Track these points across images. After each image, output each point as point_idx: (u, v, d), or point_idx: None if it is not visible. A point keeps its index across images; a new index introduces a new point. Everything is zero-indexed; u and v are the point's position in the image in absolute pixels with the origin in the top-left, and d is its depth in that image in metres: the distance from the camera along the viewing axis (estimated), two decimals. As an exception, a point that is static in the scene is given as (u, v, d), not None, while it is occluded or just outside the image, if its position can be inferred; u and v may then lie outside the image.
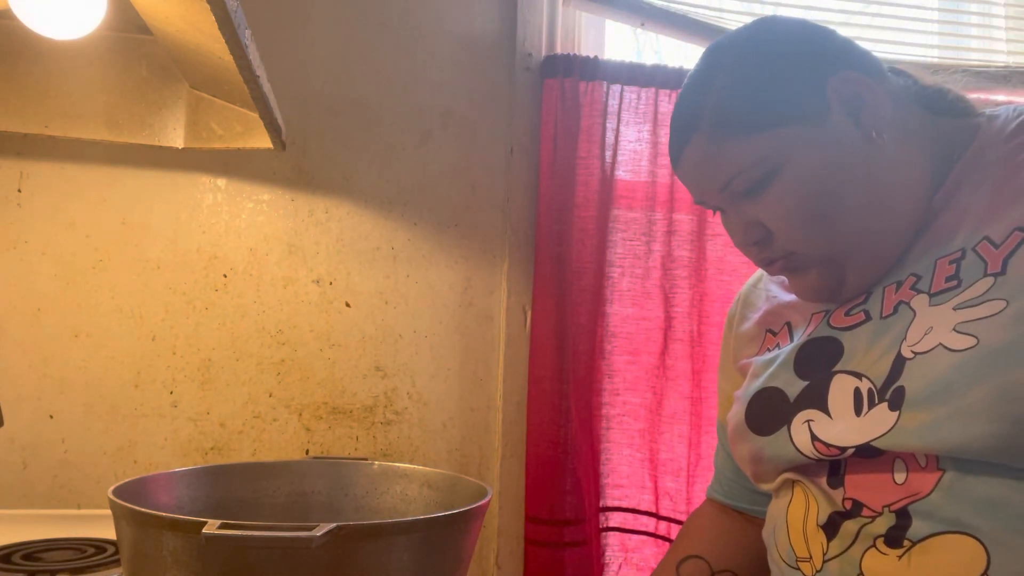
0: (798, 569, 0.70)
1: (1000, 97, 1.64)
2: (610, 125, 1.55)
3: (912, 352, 0.64)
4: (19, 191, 1.42)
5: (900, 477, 0.63)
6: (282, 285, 1.49)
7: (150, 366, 1.43)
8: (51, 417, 1.40)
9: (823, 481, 0.68)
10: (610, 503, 1.54)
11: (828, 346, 0.72)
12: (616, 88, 1.55)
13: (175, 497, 0.91)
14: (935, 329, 0.63)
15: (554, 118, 1.53)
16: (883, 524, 0.62)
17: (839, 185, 0.71)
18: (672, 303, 1.54)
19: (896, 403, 0.63)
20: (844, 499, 0.66)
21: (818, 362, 0.72)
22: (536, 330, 1.52)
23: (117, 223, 1.44)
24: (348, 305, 1.50)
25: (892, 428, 0.62)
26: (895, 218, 0.72)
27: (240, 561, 0.67)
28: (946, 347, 0.61)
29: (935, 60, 1.68)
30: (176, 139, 1.35)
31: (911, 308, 0.67)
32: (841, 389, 0.68)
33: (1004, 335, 0.58)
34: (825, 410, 0.69)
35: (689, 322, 1.53)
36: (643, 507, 1.53)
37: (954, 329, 0.61)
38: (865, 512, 0.64)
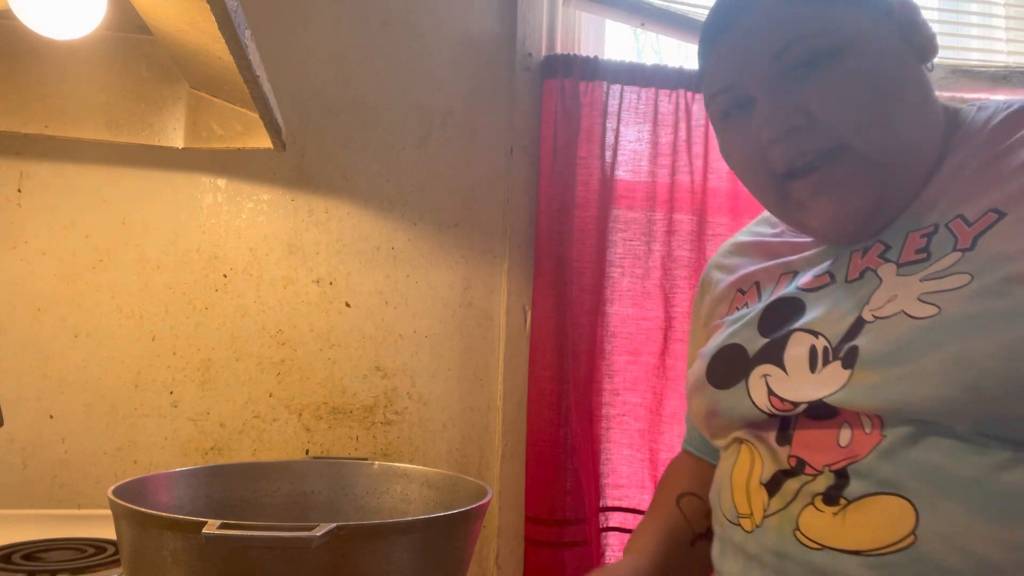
0: (738, 525, 0.71)
1: (1000, 97, 1.65)
2: (610, 125, 1.55)
3: (873, 316, 0.65)
4: (19, 191, 1.42)
5: (844, 440, 0.64)
6: (282, 285, 1.49)
7: (150, 366, 1.43)
8: (51, 417, 1.40)
9: (772, 439, 0.70)
10: (610, 503, 1.54)
11: (791, 305, 0.74)
12: (616, 88, 1.55)
13: (175, 497, 0.91)
14: (899, 297, 0.65)
15: (554, 118, 1.53)
16: (823, 483, 0.64)
17: (900, 86, 0.71)
18: (672, 303, 1.54)
19: (849, 362, 0.64)
20: (789, 456, 0.67)
21: (780, 320, 0.74)
22: (536, 330, 1.52)
23: (117, 223, 1.44)
24: (348, 305, 1.50)
25: (844, 386, 0.64)
26: (925, 160, 0.72)
27: (240, 561, 0.67)
28: (908, 314, 0.63)
29: (935, 60, 1.67)
30: (176, 139, 1.35)
31: (878, 275, 0.69)
32: (798, 346, 0.70)
33: (966, 307, 0.60)
34: (782, 366, 0.70)
35: (689, 322, 1.53)
36: (643, 507, 1.53)
37: (918, 298, 0.63)
38: (807, 470, 0.66)
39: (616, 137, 1.55)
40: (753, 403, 0.71)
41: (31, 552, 1.03)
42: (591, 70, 1.54)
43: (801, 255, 0.80)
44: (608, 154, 1.54)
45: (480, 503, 0.82)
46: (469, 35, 1.58)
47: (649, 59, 1.62)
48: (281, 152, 1.44)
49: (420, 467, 1.02)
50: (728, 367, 0.76)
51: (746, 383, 0.73)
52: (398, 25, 1.55)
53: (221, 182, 1.48)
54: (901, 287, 0.65)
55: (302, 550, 0.66)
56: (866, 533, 0.60)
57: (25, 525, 1.20)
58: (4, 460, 1.38)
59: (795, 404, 0.68)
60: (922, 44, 0.74)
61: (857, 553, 0.60)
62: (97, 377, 1.42)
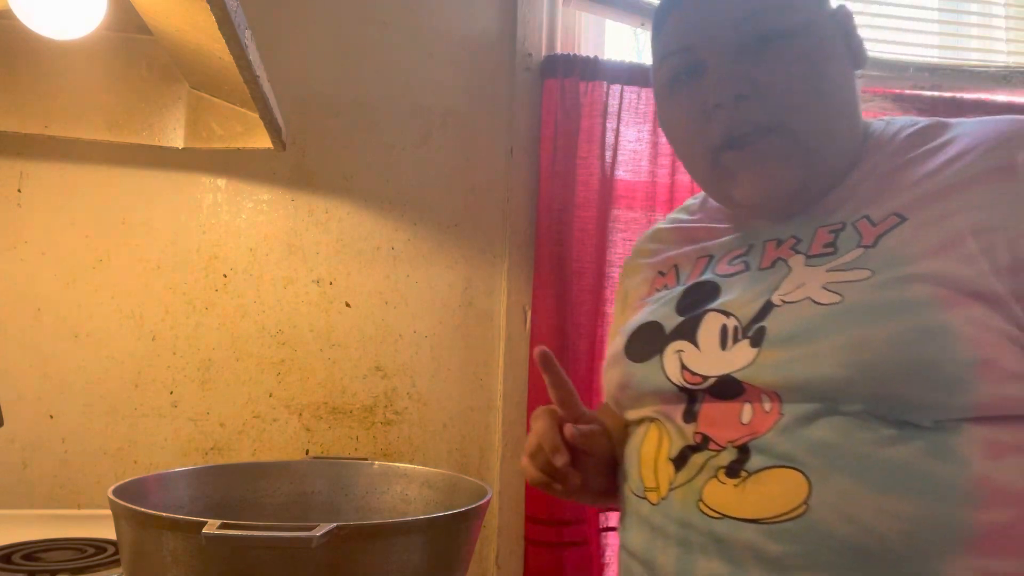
0: (645, 499, 0.75)
1: (1000, 97, 1.65)
2: (610, 125, 1.55)
3: (781, 300, 0.71)
4: (19, 191, 1.42)
5: (746, 417, 0.69)
6: (282, 285, 1.49)
7: (150, 366, 1.43)
8: (51, 417, 1.40)
9: (679, 416, 0.74)
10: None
11: (708, 288, 0.79)
12: (616, 88, 1.55)
13: (175, 497, 0.91)
14: (806, 285, 0.70)
15: (554, 118, 1.53)
16: (726, 457, 0.68)
17: (837, 81, 0.76)
18: (672, 303, 1.54)
19: (757, 341, 0.70)
20: (695, 433, 0.72)
21: (696, 302, 0.79)
22: (536, 330, 1.52)
23: (117, 223, 1.44)
24: (348, 305, 1.50)
25: (751, 363, 0.69)
26: (846, 155, 0.77)
27: (240, 561, 0.67)
28: (813, 300, 0.68)
29: (935, 60, 1.68)
30: (176, 139, 1.35)
31: (788, 265, 0.74)
32: (711, 325, 0.75)
33: (865, 297, 0.66)
34: (695, 342, 0.75)
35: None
36: (643, 507, 1.53)
37: (823, 287, 0.68)
38: (712, 446, 0.70)
39: (616, 137, 1.55)
40: (666, 376, 0.75)
41: (31, 552, 1.03)
42: (591, 70, 1.54)
43: (718, 240, 0.85)
44: (608, 154, 1.54)
45: (480, 503, 0.82)
46: (469, 35, 1.58)
47: (649, 59, 1.62)
48: (281, 152, 1.44)
49: (420, 467, 1.02)
50: (645, 343, 0.80)
51: (661, 358, 0.77)
52: (398, 25, 1.55)
53: (221, 182, 1.48)
54: (808, 276, 0.71)
55: (302, 550, 0.66)
56: (763, 503, 0.65)
57: (25, 525, 1.20)
58: (4, 460, 1.38)
59: (705, 378, 0.72)
60: (856, 50, 0.79)
61: (755, 521, 0.65)
62: (97, 377, 1.42)
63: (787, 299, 0.70)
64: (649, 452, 0.76)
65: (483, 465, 1.54)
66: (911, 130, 0.78)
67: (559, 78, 1.54)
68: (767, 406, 0.68)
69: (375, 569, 0.70)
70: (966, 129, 0.74)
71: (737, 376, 0.70)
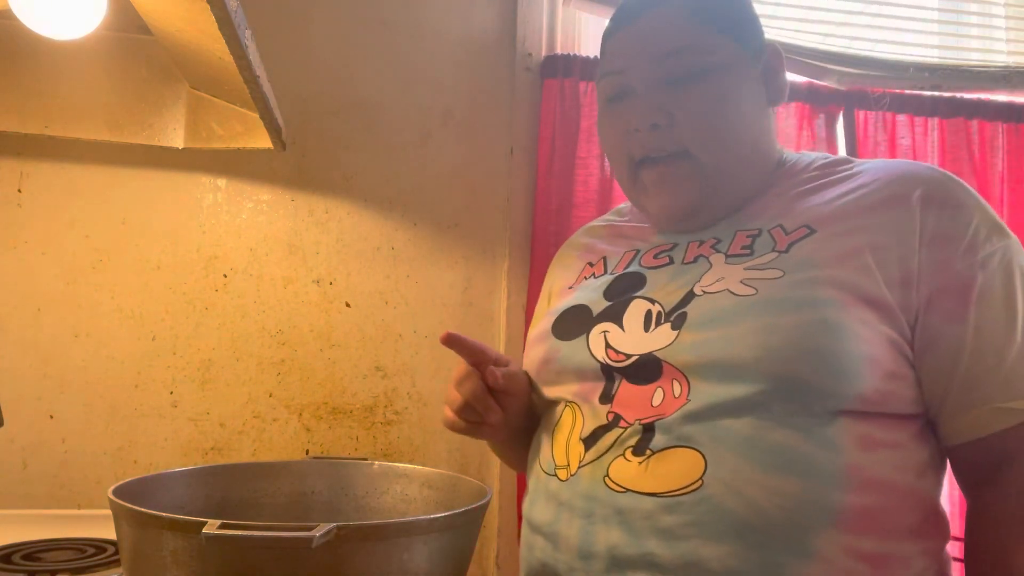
0: (555, 475, 0.81)
1: (1000, 97, 1.65)
2: (610, 125, 1.54)
3: (702, 291, 0.80)
4: (19, 191, 1.42)
5: (657, 400, 0.76)
6: (282, 285, 1.49)
7: (150, 366, 1.43)
8: (51, 417, 1.40)
9: (596, 398, 0.80)
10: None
11: (635, 278, 0.87)
12: (616, 88, 1.55)
13: (175, 497, 0.91)
14: (725, 279, 0.79)
15: (554, 118, 1.53)
16: (633, 436, 0.75)
17: (747, 116, 0.87)
18: (672, 303, 1.54)
19: (678, 324, 0.78)
20: (608, 413, 0.78)
21: (623, 290, 0.87)
22: (536, 330, 1.52)
23: (117, 223, 1.44)
24: (348, 305, 1.50)
25: (671, 343, 0.77)
26: (753, 179, 0.88)
27: (240, 561, 0.67)
28: (731, 292, 0.77)
29: (935, 60, 1.68)
30: (176, 139, 1.35)
31: (709, 261, 0.83)
32: (636, 309, 0.83)
33: (777, 293, 0.75)
34: (620, 324, 0.83)
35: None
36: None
37: (741, 281, 0.78)
38: (621, 424, 0.77)
39: (616, 137, 1.54)
40: (591, 354, 0.82)
41: (31, 552, 1.03)
42: (591, 70, 1.54)
43: (645, 240, 0.94)
44: (608, 154, 1.54)
45: (480, 503, 0.82)
46: (469, 35, 1.58)
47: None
48: (281, 152, 1.45)
49: (420, 467, 1.02)
50: (572, 323, 0.87)
51: (587, 337, 0.84)
52: (398, 25, 1.55)
53: (221, 182, 1.48)
54: (727, 272, 0.80)
55: (302, 550, 0.66)
56: (664, 479, 0.72)
57: (25, 525, 1.20)
58: (4, 460, 1.38)
59: (627, 356, 0.80)
60: (777, 89, 0.91)
61: (654, 495, 0.72)
62: (97, 377, 1.42)
63: (708, 290, 0.79)
64: (562, 433, 0.82)
65: (483, 465, 1.54)
66: (822, 161, 0.90)
67: (559, 78, 1.54)
68: (677, 390, 0.75)
69: (375, 569, 0.70)
70: (870, 166, 0.85)
71: (657, 355, 0.77)
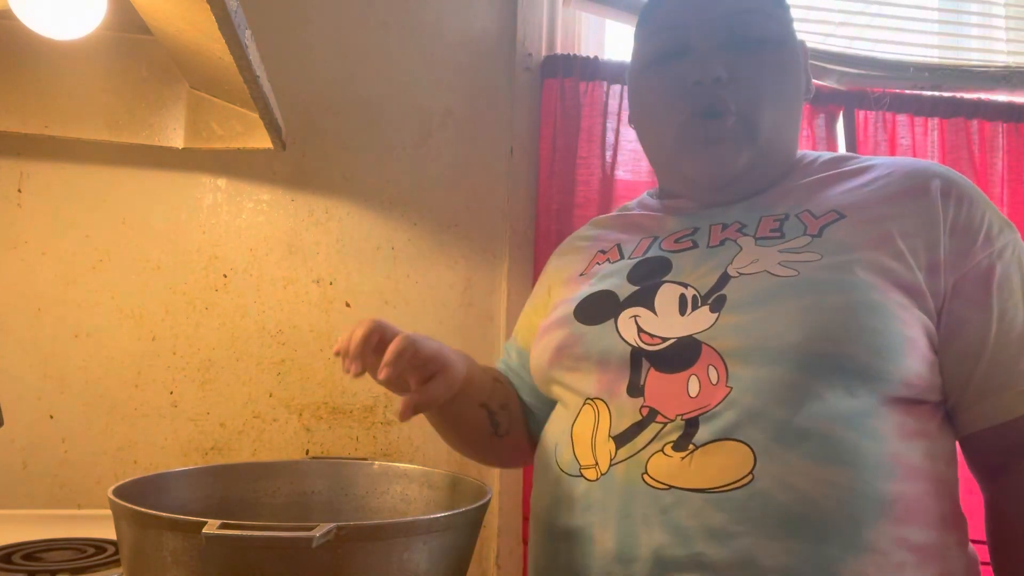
0: (580, 476, 0.76)
1: (1000, 97, 1.65)
2: (610, 125, 1.55)
3: (738, 272, 0.78)
4: (19, 191, 1.42)
5: (694, 390, 0.73)
6: (282, 285, 1.49)
7: (150, 366, 1.43)
8: (51, 417, 1.40)
9: (623, 392, 0.76)
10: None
11: (659, 262, 0.85)
12: (616, 88, 1.55)
13: (175, 497, 0.91)
14: (761, 260, 0.78)
15: (554, 118, 1.53)
16: (674, 431, 0.72)
17: (796, 95, 0.89)
18: (672, 303, 1.54)
19: (717, 307, 0.76)
20: (642, 407, 0.74)
21: (649, 274, 0.84)
22: (536, 330, 1.52)
23: (117, 223, 1.44)
24: (348, 305, 1.50)
25: (712, 325, 0.75)
26: (781, 163, 0.89)
27: (240, 561, 0.67)
28: (770, 273, 0.76)
29: (935, 60, 1.68)
30: (176, 139, 1.35)
31: (737, 244, 0.82)
32: (668, 294, 0.80)
33: (819, 274, 0.74)
34: (652, 308, 0.80)
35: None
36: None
37: (779, 263, 0.76)
38: (659, 419, 0.73)
39: (616, 137, 1.55)
40: (621, 337, 0.79)
41: (31, 552, 1.03)
42: (591, 70, 1.54)
43: (661, 226, 0.92)
44: (608, 154, 1.54)
45: (480, 503, 0.82)
46: (469, 35, 1.58)
47: (649, 59, 1.62)
48: (281, 152, 1.44)
49: (420, 467, 1.02)
50: (597, 308, 0.84)
51: (615, 321, 0.81)
52: (398, 25, 1.55)
53: (221, 182, 1.48)
54: (761, 254, 0.79)
55: (302, 550, 0.66)
56: (711, 474, 0.69)
57: (25, 525, 1.20)
58: (4, 460, 1.38)
59: (664, 339, 0.77)
60: (808, 81, 0.92)
61: (702, 491, 0.68)
62: (97, 377, 1.42)
63: (744, 271, 0.77)
64: (583, 431, 0.78)
65: (483, 465, 1.54)
66: (829, 157, 0.91)
67: (559, 78, 1.54)
68: (714, 377, 0.72)
69: (375, 569, 0.70)
70: (880, 161, 0.86)
71: (698, 337, 0.75)
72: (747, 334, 0.72)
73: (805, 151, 0.94)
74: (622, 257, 0.90)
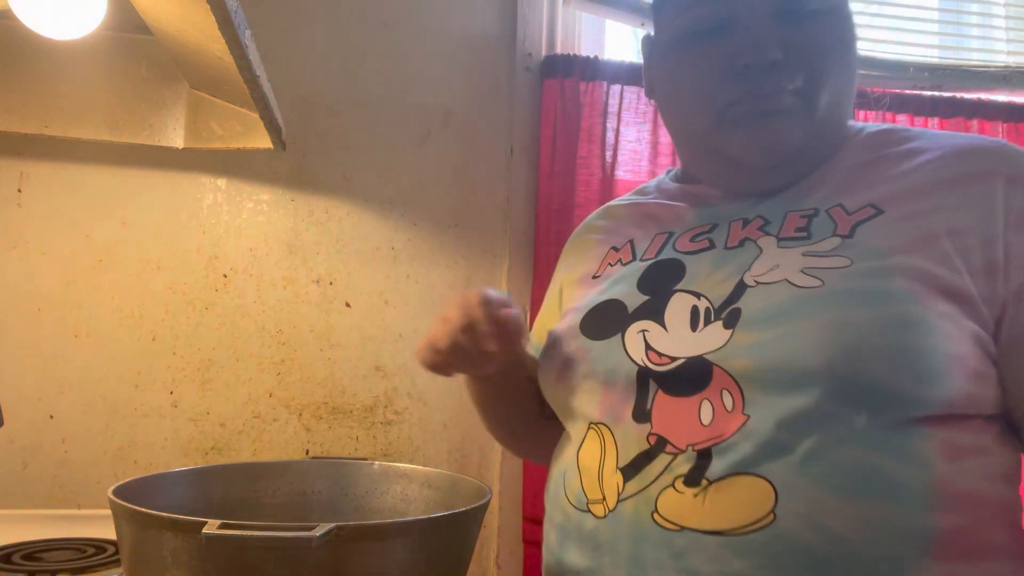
0: (588, 512, 0.70)
1: (1000, 97, 1.65)
2: (610, 125, 1.55)
3: (755, 281, 0.69)
4: (19, 191, 1.42)
5: (707, 418, 0.65)
6: (282, 285, 1.49)
7: (150, 366, 1.43)
8: (51, 417, 1.40)
9: (627, 415, 0.69)
10: (610, 503, 1.54)
11: (671, 267, 0.76)
12: (616, 88, 1.55)
13: (175, 497, 0.91)
14: (781, 267, 0.68)
15: (554, 118, 1.53)
16: (685, 463, 0.64)
17: (853, 70, 0.77)
18: (672, 303, 1.54)
19: (731, 322, 0.67)
20: (650, 434, 0.67)
21: (660, 281, 0.75)
22: (536, 330, 1.52)
23: (117, 223, 1.44)
24: (348, 305, 1.50)
25: (725, 344, 0.66)
26: (831, 143, 0.77)
27: (240, 561, 0.67)
28: (791, 282, 0.66)
29: (935, 60, 1.68)
30: (176, 139, 1.35)
31: (757, 245, 0.72)
32: (679, 305, 0.72)
33: (847, 284, 0.64)
34: (661, 323, 0.72)
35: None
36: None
37: (801, 270, 0.67)
38: (669, 448, 0.65)
39: (616, 137, 1.55)
40: (627, 355, 0.71)
41: (31, 552, 1.03)
42: (591, 70, 1.54)
43: (678, 219, 0.82)
44: (608, 154, 1.54)
45: (480, 503, 0.82)
46: (469, 35, 1.58)
47: (649, 59, 1.62)
48: (281, 152, 1.44)
49: (420, 467, 1.02)
50: (604, 320, 0.76)
51: (622, 336, 0.73)
52: (398, 25, 1.55)
53: (221, 182, 1.48)
54: (782, 258, 0.69)
55: (302, 550, 0.66)
56: (727, 513, 0.61)
57: (25, 525, 1.20)
58: (4, 460, 1.38)
59: (673, 359, 0.68)
60: (857, 57, 0.81)
61: (718, 533, 0.61)
62: (97, 377, 1.42)
63: (761, 280, 0.68)
64: (590, 460, 0.71)
65: (483, 465, 1.54)
66: (875, 130, 0.79)
67: (559, 78, 1.54)
68: (728, 403, 0.65)
69: (375, 569, 0.70)
70: (931, 137, 0.75)
71: (709, 358, 0.66)
72: (764, 355, 0.64)
73: (863, 124, 0.83)
74: (634, 258, 0.81)
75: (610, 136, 1.54)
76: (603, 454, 0.70)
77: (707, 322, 0.69)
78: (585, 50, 1.64)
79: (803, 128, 0.73)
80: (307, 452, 1.48)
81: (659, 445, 0.66)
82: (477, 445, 1.54)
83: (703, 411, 0.65)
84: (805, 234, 0.71)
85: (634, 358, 0.71)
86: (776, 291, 0.67)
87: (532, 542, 1.50)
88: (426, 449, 1.51)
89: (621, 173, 1.56)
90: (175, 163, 1.46)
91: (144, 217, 1.45)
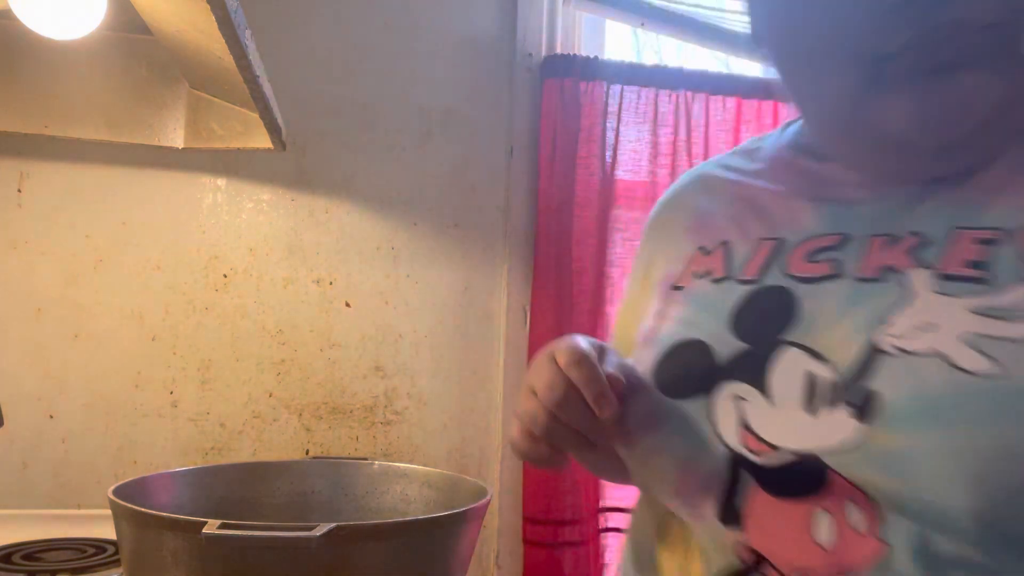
0: None
1: None
2: (610, 125, 1.55)
3: (895, 348, 0.46)
4: (19, 191, 1.42)
5: (826, 537, 0.46)
6: (282, 285, 1.49)
7: (150, 366, 1.43)
8: (51, 417, 1.40)
9: (709, 511, 0.51)
10: (610, 503, 1.54)
11: (779, 300, 0.53)
12: (616, 88, 1.55)
13: (175, 497, 0.91)
14: (938, 329, 0.45)
15: (554, 118, 1.53)
16: None
17: None
18: (672, 303, 1.54)
19: (865, 412, 0.46)
20: (742, 546, 0.49)
21: (763, 319, 0.53)
22: (536, 330, 1.52)
23: (117, 223, 1.44)
24: (348, 305, 1.50)
25: (854, 445, 0.46)
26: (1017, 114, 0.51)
27: (240, 561, 0.67)
28: (949, 361, 0.44)
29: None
30: (176, 139, 1.35)
31: (904, 285, 0.48)
32: (791, 367, 0.50)
33: None
34: (764, 390, 0.50)
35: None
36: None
37: (967, 341, 0.44)
38: (770, 573, 0.48)
39: (616, 137, 1.55)
40: (716, 430, 0.51)
41: (31, 552, 1.03)
42: (591, 70, 1.54)
43: (793, 219, 0.58)
44: (608, 154, 1.54)
45: (480, 503, 0.82)
46: (469, 35, 1.58)
47: (649, 59, 1.62)
48: (281, 152, 1.44)
49: (420, 467, 1.02)
50: (685, 371, 0.55)
51: (708, 400, 0.52)
52: (398, 25, 1.55)
53: (221, 182, 1.48)
54: (942, 313, 0.46)
55: (302, 550, 0.66)
56: None
57: (25, 525, 1.20)
58: (4, 460, 1.38)
59: (775, 448, 0.48)
60: None
61: None
62: (97, 377, 1.42)
63: (904, 346, 0.46)
64: (674, 556, 0.55)
65: (483, 465, 1.54)
66: None
67: (559, 78, 1.54)
68: (855, 518, 0.45)
69: (375, 569, 0.70)
70: None
71: (828, 461, 0.46)
72: (902, 471, 0.44)
73: None
74: (728, 274, 0.58)
75: (610, 136, 1.54)
76: (686, 558, 0.54)
77: (831, 403, 0.47)
78: (585, 50, 1.64)
79: (1002, 85, 0.48)
80: (307, 452, 1.48)
81: (754, 566, 0.49)
82: (477, 445, 1.54)
83: (818, 524, 0.46)
84: (983, 272, 0.46)
85: (724, 436, 0.51)
86: (926, 370, 0.44)
87: (532, 542, 1.50)
88: (426, 449, 1.51)
89: (621, 173, 1.56)
90: (175, 163, 1.46)
91: (144, 217, 1.45)
